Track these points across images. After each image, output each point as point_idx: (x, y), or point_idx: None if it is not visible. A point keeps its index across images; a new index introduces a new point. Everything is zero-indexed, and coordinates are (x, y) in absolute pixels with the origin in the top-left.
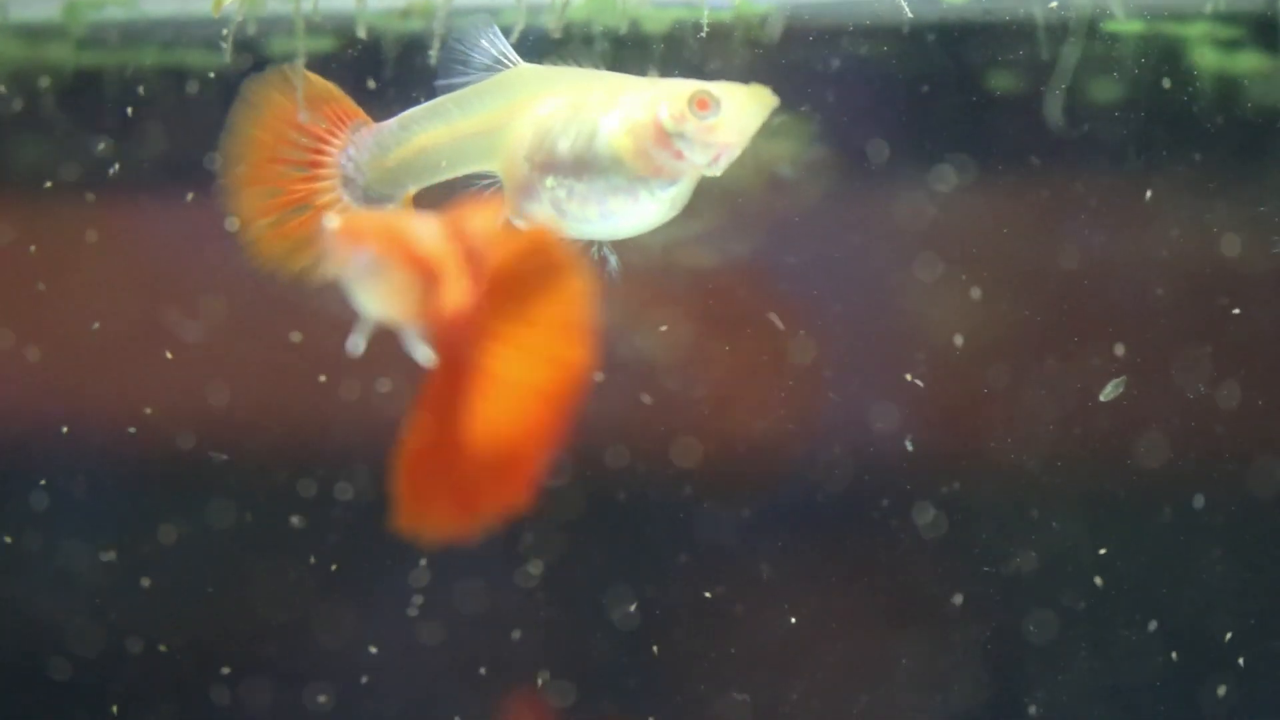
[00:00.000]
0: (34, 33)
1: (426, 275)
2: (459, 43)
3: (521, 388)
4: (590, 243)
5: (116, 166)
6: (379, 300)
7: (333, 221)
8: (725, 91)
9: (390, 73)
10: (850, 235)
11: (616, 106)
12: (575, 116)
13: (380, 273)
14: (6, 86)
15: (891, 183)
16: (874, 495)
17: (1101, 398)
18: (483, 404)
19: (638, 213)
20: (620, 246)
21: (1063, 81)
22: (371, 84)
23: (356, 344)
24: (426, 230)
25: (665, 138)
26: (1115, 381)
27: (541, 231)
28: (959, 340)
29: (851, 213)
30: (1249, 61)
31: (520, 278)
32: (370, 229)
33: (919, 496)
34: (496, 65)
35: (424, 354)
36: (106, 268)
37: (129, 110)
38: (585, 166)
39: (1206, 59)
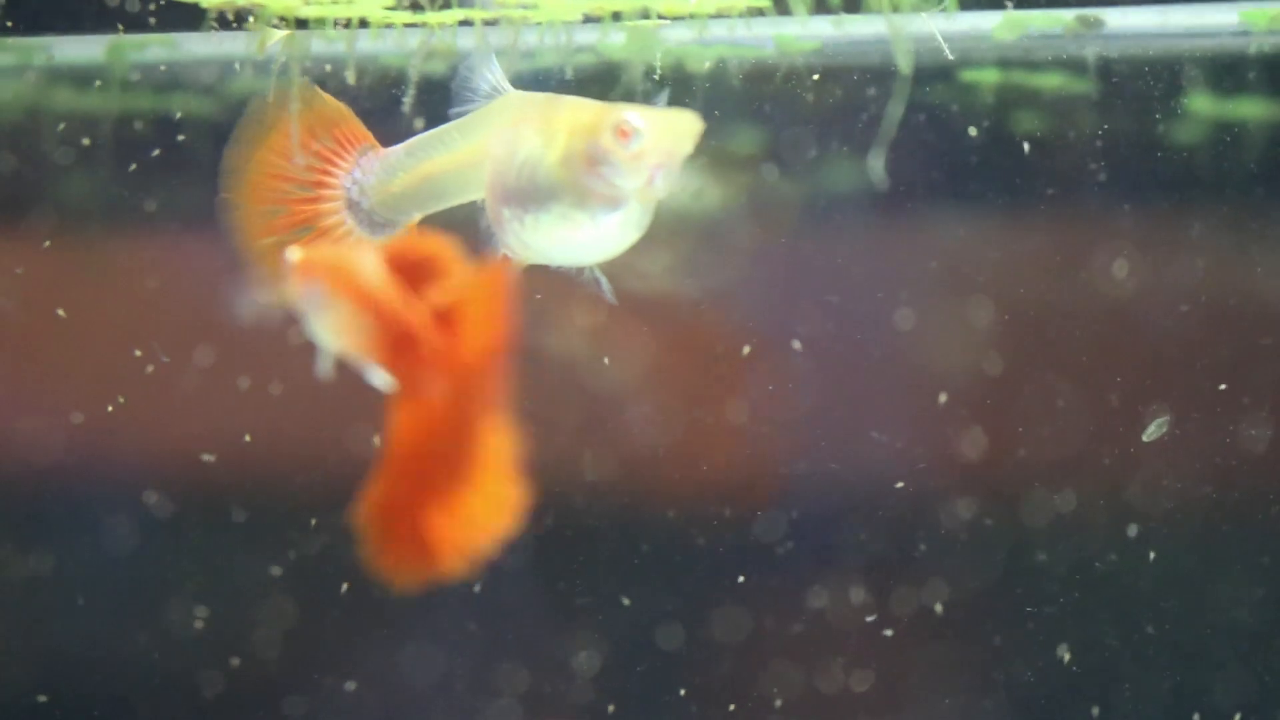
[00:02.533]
0: (79, 75)
1: (373, 311)
2: (469, 71)
3: (469, 416)
4: (580, 270)
5: (156, 204)
6: (332, 333)
7: (294, 254)
8: (646, 117)
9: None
10: (885, 272)
11: (554, 136)
12: (521, 147)
13: (329, 308)
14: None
15: (926, 220)
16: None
17: (1145, 438)
18: (439, 434)
19: (589, 240)
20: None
21: (890, 133)
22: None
23: (325, 369)
24: (375, 266)
25: (594, 166)
26: (1158, 421)
27: (473, 263)
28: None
29: (889, 249)
30: None
31: (453, 306)
32: (322, 265)
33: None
34: (494, 94)
35: (383, 381)
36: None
37: (171, 148)
38: (529, 197)
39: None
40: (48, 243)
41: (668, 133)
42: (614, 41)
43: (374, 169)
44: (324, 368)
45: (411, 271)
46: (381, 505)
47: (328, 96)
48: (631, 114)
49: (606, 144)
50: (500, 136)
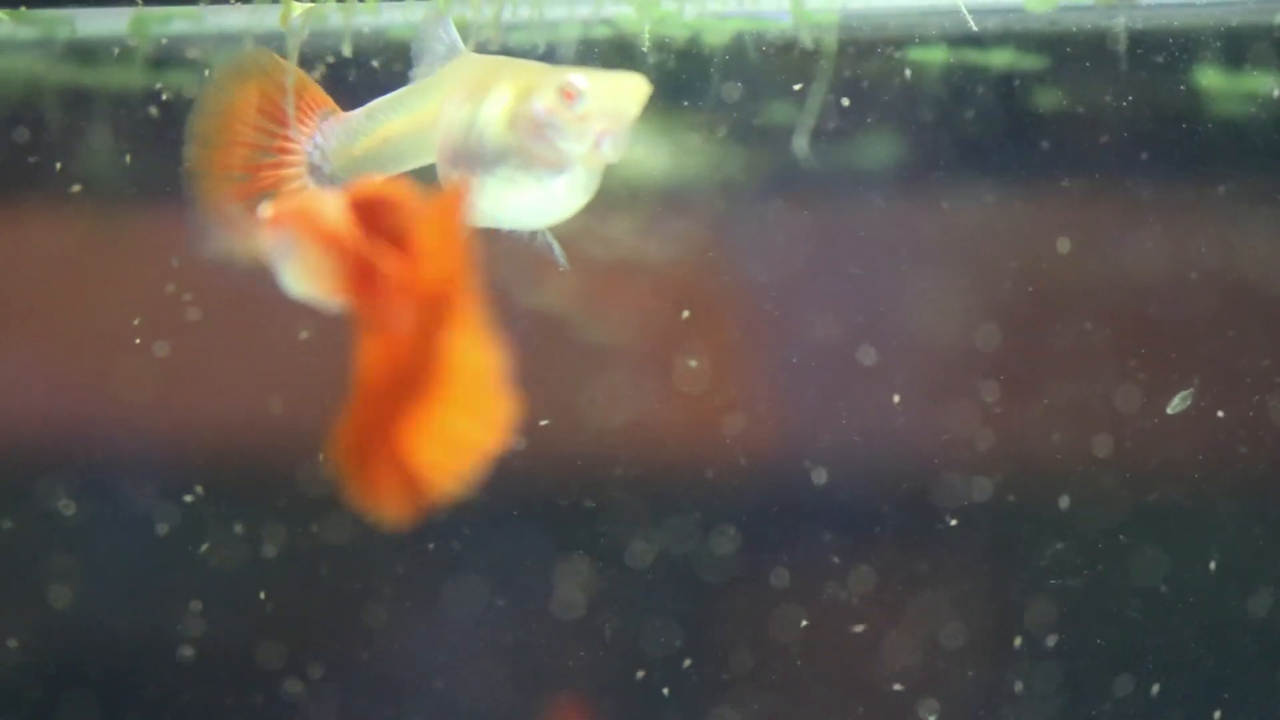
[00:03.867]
0: (95, 49)
1: (334, 250)
2: (427, 34)
3: (431, 339)
4: (531, 234)
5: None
6: (301, 279)
7: (266, 210)
8: (591, 79)
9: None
10: (906, 248)
11: (501, 98)
12: (469, 111)
13: (298, 254)
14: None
15: (944, 193)
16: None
17: (1169, 410)
18: (408, 362)
19: (535, 203)
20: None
21: (813, 112)
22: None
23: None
24: (329, 206)
25: (540, 129)
26: (1182, 394)
27: (434, 200)
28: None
29: (912, 225)
30: None
31: (411, 235)
32: (288, 213)
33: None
34: (451, 55)
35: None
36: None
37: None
38: (476, 159)
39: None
40: (65, 219)
41: (612, 95)
42: (625, 14)
43: (335, 133)
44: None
45: (371, 211)
46: (358, 437)
47: (287, 63)
48: (576, 76)
49: (551, 105)
50: (450, 99)
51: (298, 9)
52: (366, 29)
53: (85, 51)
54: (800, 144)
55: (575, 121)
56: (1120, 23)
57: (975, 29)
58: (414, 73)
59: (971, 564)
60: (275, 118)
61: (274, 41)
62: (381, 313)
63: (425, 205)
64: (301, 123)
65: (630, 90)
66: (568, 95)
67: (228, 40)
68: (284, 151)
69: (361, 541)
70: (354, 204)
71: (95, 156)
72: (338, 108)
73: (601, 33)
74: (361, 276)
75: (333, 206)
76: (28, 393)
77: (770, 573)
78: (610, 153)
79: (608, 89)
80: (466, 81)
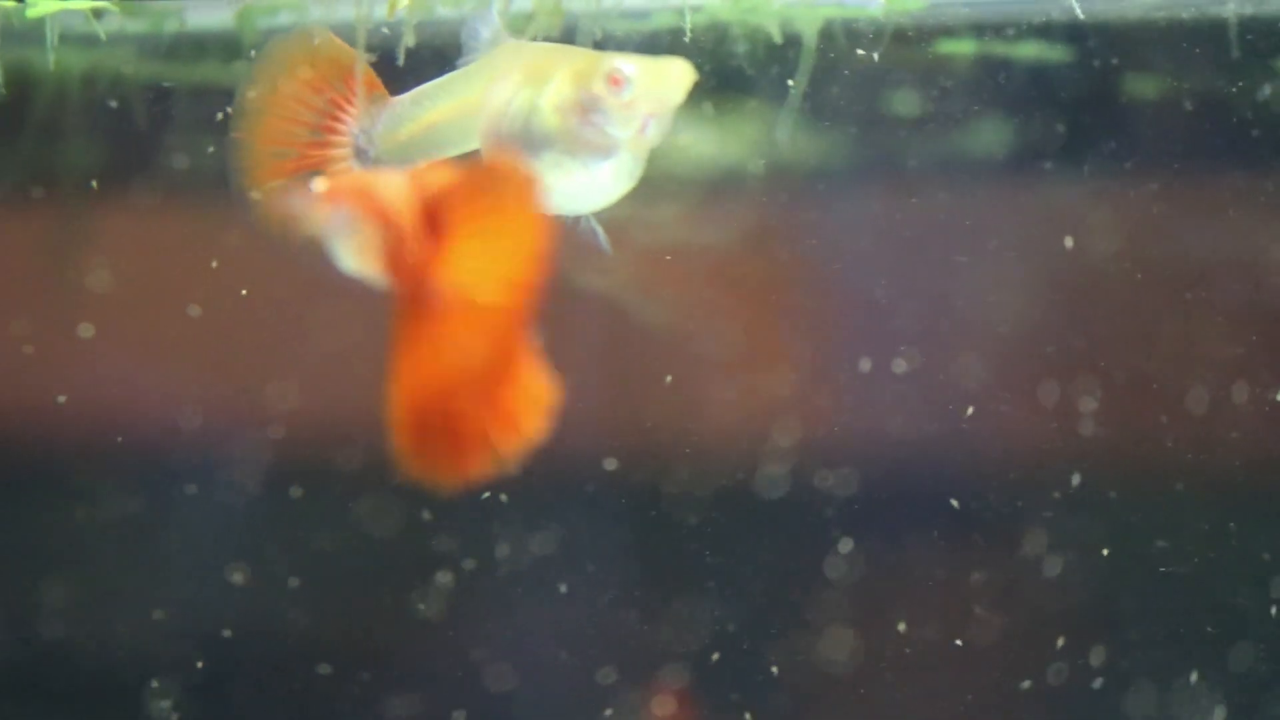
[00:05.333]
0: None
1: (393, 228)
2: (474, 22)
3: (486, 316)
4: (575, 218)
5: None
6: (355, 256)
7: (319, 185)
8: (637, 65)
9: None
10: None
11: (547, 84)
12: (515, 96)
13: (353, 229)
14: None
15: (1040, 182)
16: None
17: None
18: (457, 341)
19: (581, 188)
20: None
21: (797, 100)
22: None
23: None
24: (392, 185)
25: (586, 114)
26: None
27: (494, 165)
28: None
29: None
30: None
31: (477, 210)
32: (344, 187)
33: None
34: (496, 43)
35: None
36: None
37: None
38: (521, 145)
39: None
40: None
41: (659, 81)
42: (718, 3)
43: (381, 118)
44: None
45: (435, 193)
46: (411, 412)
47: (342, 44)
48: (623, 62)
49: (598, 91)
50: (495, 85)
51: (404, 1)
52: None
53: (194, 44)
54: (785, 126)
55: (622, 107)
56: (1230, 9)
57: (1081, 16)
58: (460, 60)
59: (1070, 556)
60: (324, 97)
61: (379, 34)
62: (434, 292)
63: (492, 186)
64: (350, 105)
65: (676, 76)
66: (615, 81)
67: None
68: (331, 133)
69: (423, 526)
70: (418, 185)
71: (199, 152)
72: (386, 92)
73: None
74: (422, 257)
75: (395, 185)
76: (133, 382)
77: (829, 562)
78: (654, 137)
79: (654, 75)
80: (512, 68)
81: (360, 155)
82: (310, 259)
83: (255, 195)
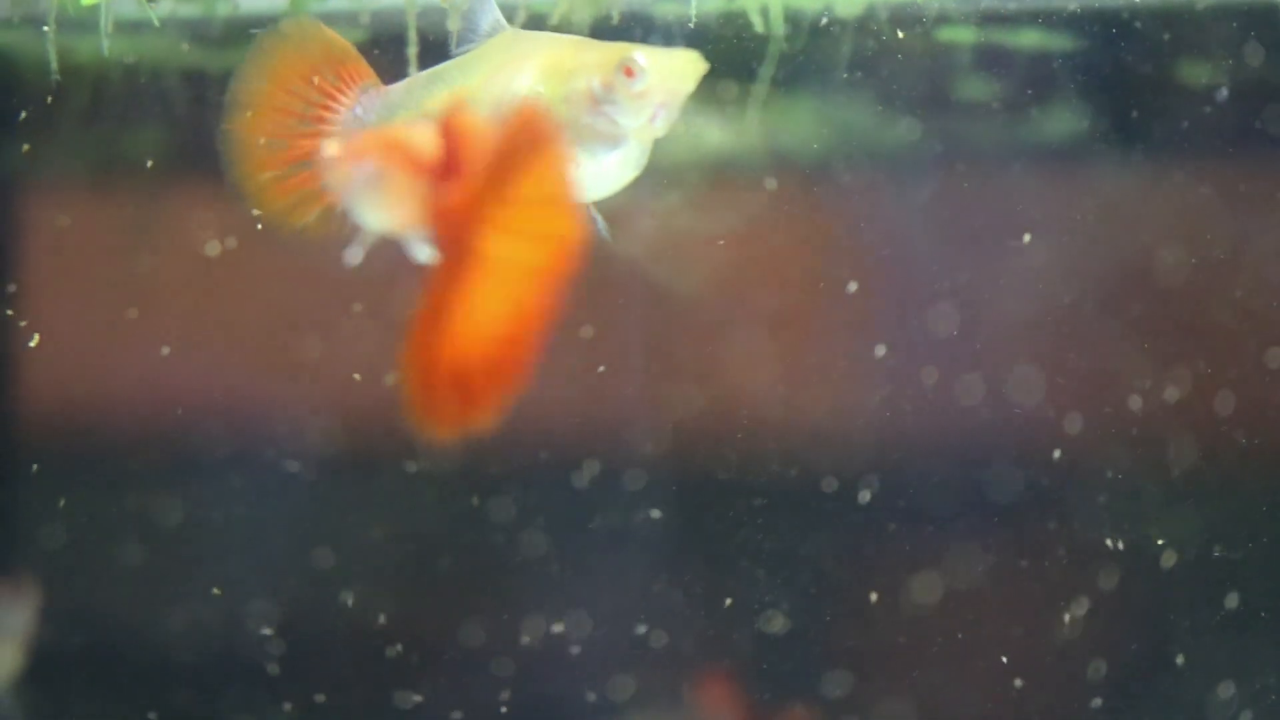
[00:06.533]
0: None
1: (424, 175)
2: (472, 11)
3: (518, 268)
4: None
5: None
6: (382, 209)
7: (331, 148)
8: (651, 56)
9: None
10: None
11: (554, 74)
12: (520, 85)
13: (381, 182)
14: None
15: (1049, 169)
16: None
17: None
18: (485, 289)
19: (589, 177)
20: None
21: (763, 89)
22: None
23: (356, 255)
24: (420, 133)
25: (597, 105)
26: None
27: (524, 115)
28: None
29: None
30: None
31: (506, 160)
32: (368, 143)
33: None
34: (494, 32)
35: (426, 254)
36: None
37: None
38: None
39: None
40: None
41: (671, 72)
42: None
43: (375, 106)
44: (356, 254)
45: (460, 139)
46: (429, 354)
47: (332, 33)
48: (636, 53)
49: (611, 82)
50: (498, 75)
51: None
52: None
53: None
54: (751, 116)
55: (634, 97)
56: None
57: None
58: (457, 50)
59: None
60: (317, 87)
61: (429, 17)
62: (461, 233)
63: (515, 126)
64: (342, 94)
65: (687, 67)
66: (628, 72)
67: (381, 18)
68: (322, 122)
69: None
70: (441, 129)
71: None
72: (379, 80)
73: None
74: (447, 198)
75: (423, 133)
76: (185, 374)
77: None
78: (662, 127)
79: (667, 66)
80: (516, 57)
81: None
82: (308, 247)
83: (248, 185)
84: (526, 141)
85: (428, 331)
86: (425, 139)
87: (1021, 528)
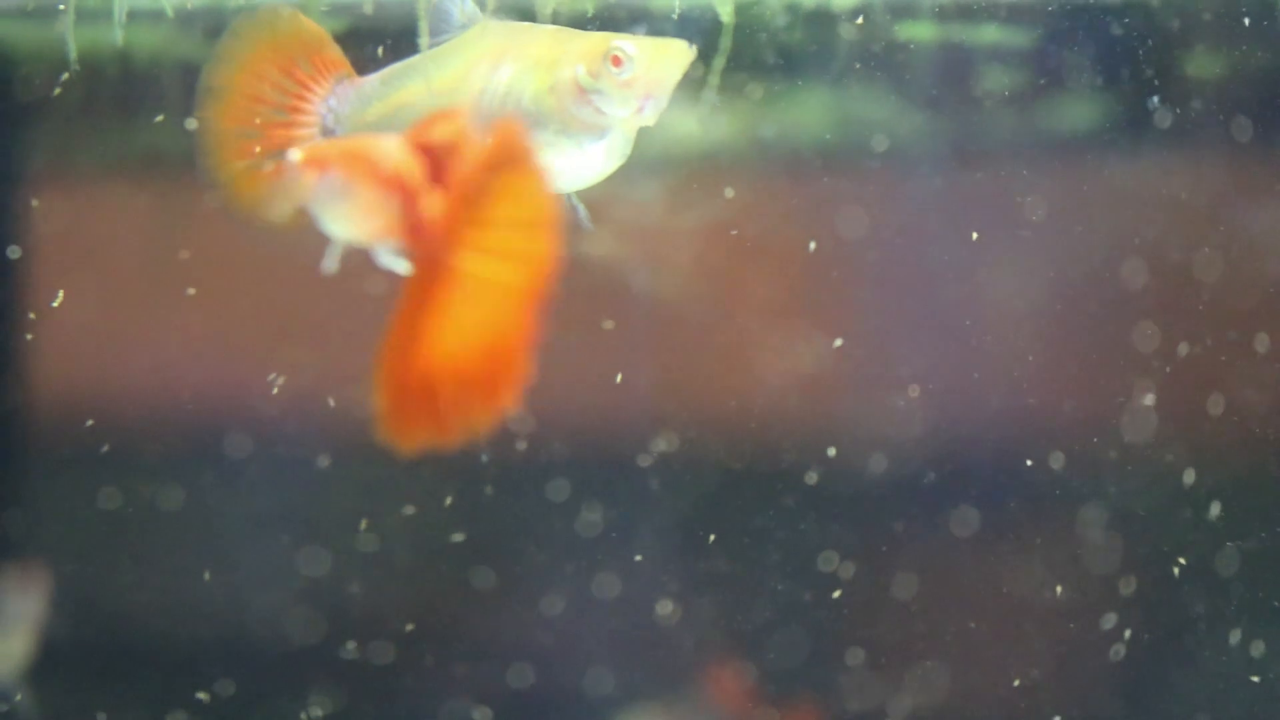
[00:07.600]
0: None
1: (393, 189)
2: (446, 3)
3: (494, 288)
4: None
5: None
6: (348, 221)
7: (295, 155)
8: (639, 45)
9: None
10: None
11: (539, 65)
12: (504, 76)
13: (347, 194)
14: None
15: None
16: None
17: None
18: (459, 307)
19: (572, 167)
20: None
21: (715, 78)
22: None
23: (331, 265)
24: (389, 146)
25: (584, 94)
26: None
27: (502, 132)
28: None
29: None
30: None
31: (483, 179)
32: (333, 153)
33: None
34: (468, 24)
35: (399, 266)
36: None
37: None
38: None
39: None
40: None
41: (659, 61)
42: None
43: (349, 97)
44: (331, 264)
45: (431, 150)
46: (400, 369)
47: (309, 22)
48: (624, 42)
49: (598, 71)
50: (479, 66)
51: None
52: None
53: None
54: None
55: (621, 87)
56: None
57: None
58: (429, 41)
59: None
60: (291, 77)
61: (339, 12)
62: (434, 249)
63: (493, 144)
64: (317, 84)
65: (675, 56)
66: (615, 61)
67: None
68: (296, 112)
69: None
70: (413, 143)
71: None
72: (354, 71)
73: None
74: (421, 216)
75: (391, 145)
76: (188, 364)
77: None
78: (649, 117)
79: (654, 55)
80: (497, 48)
81: (326, 135)
82: (280, 238)
83: (221, 176)
84: (505, 160)
85: (400, 347)
86: (393, 153)
87: (1034, 523)
